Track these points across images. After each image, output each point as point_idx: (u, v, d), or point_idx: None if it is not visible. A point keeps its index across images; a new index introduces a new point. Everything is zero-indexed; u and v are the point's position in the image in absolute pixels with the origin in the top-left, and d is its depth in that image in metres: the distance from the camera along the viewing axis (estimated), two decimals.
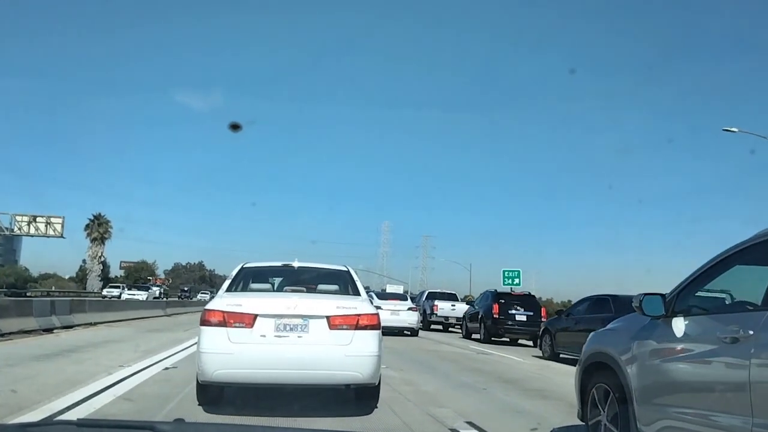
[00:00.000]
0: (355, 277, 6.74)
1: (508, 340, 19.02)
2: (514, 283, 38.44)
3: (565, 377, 9.62)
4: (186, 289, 74.92)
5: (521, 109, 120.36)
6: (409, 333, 18.89)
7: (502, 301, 19.06)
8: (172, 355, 9.57)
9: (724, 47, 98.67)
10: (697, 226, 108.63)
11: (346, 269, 6.97)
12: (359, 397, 5.79)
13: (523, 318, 18.64)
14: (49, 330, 13.45)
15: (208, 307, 5.52)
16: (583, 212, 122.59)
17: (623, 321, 4.48)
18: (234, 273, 6.62)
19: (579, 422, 4.96)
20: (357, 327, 5.38)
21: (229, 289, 6.18)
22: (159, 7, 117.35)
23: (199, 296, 65.79)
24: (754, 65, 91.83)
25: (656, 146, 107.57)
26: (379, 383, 5.76)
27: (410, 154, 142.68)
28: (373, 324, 5.50)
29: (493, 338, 18.80)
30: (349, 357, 5.29)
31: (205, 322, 5.38)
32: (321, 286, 6.52)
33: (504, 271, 39.92)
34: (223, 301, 5.52)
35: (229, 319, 5.31)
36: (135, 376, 7.31)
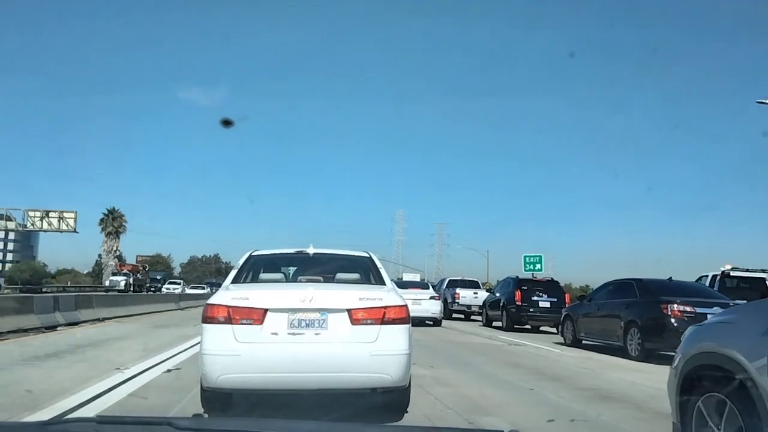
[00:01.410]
0: (379, 264, 5.85)
1: (530, 327, 18.34)
2: (536, 268, 37.51)
3: (615, 371, 8.62)
4: (159, 277, 58.24)
5: (531, 95, 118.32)
6: (431, 323, 18.23)
7: (525, 287, 18.47)
8: (177, 354, 8.70)
9: (731, 28, 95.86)
10: (709, 212, 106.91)
11: (367, 255, 6.06)
12: (386, 402, 4.87)
13: (547, 304, 18.07)
14: (52, 327, 12.71)
15: (211, 301, 4.71)
16: (595, 198, 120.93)
17: (743, 311, 3.44)
18: (241, 262, 5.78)
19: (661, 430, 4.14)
20: (383, 321, 4.57)
21: (235, 281, 5.38)
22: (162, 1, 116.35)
23: (165, 289, 48.08)
24: (763, 46, 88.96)
25: (663, 132, 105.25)
26: (410, 385, 4.91)
27: (422, 143, 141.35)
28: (401, 317, 4.67)
29: (515, 326, 18.20)
30: (375, 356, 4.49)
31: (207, 319, 4.59)
32: (340, 275, 5.65)
33: (525, 257, 38.98)
34: (229, 295, 4.70)
35: (235, 315, 4.51)
36: (132, 381, 6.47)
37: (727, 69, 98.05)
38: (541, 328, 18.43)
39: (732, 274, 20.06)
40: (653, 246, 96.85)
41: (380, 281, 5.47)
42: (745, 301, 16.77)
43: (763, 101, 25.54)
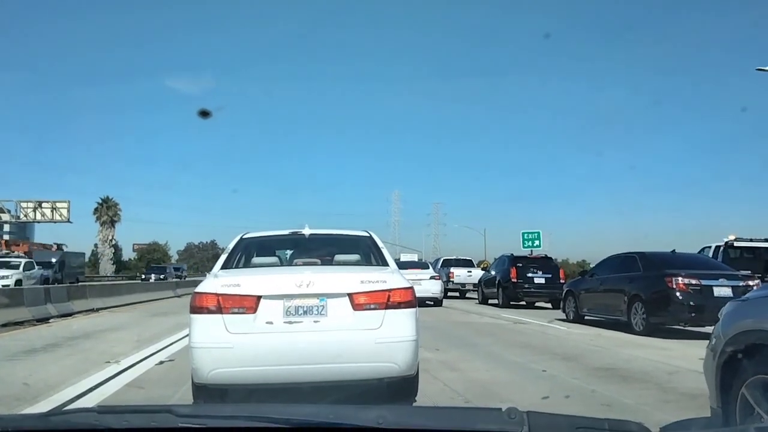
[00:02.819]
0: (380, 244, 5.48)
1: (525, 303, 18.49)
2: (534, 245, 37.17)
3: (628, 349, 8.30)
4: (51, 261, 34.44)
5: (520, 73, 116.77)
6: (432, 303, 18.06)
7: (520, 264, 18.77)
8: (172, 343, 8.36)
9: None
10: (694, 188, 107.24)
11: (368, 234, 5.68)
12: (392, 391, 4.52)
13: (542, 281, 18.38)
14: (44, 320, 12.38)
15: (199, 289, 4.33)
16: (589, 173, 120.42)
17: None
18: (231, 246, 5.39)
19: (694, 414, 3.91)
20: (388, 305, 4.21)
21: (225, 266, 4.99)
22: None
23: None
24: (745, 16, 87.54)
25: (652, 107, 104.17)
26: (418, 372, 4.56)
27: (413, 124, 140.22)
28: (407, 300, 4.31)
29: (511, 302, 18.37)
30: (380, 344, 4.14)
31: (196, 309, 4.22)
32: (339, 257, 5.28)
33: (523, 233, 38.57)
34: (218, 282, 4.32)
35: (225, 304, 4.14)
36: (126, 373, 6.20)
37: (713, 41, 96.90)
38: (537, 304, 18.62)
39: (736, 244, 19.77)
40: (647, 220, 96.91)
41: (383, 262, 5.11)
42: (750, 272, 16.54)
43: (763, 68, 25.08)
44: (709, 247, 20.62)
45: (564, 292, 14.25)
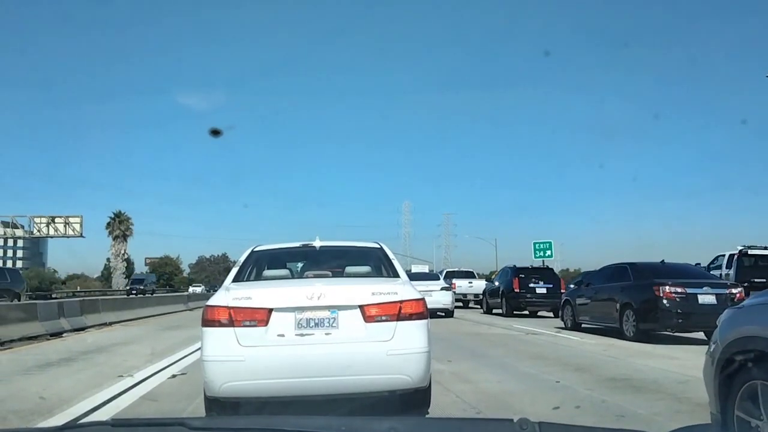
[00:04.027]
0: (391, 255, 5.48)
1: (527, 312, 19.18)
2: (546, 255, 37.16)
3: (642, 359, 8.23)
4: None
5: (527, 85, 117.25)
6: (443, 314, 18.00)
7: (522, 275, 19.55)
8: (184, 357, 8.39)
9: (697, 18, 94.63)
10: (697, 199, 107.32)
11: (378, 246, 5.69)
12: (405, 403, 4.50)
13: (543, 290, 19.23)
14: (57, 334, 12.48)
15: (211, 302, 4.35)
16: (601, 184, 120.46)
17: None
18: (242, 259, 5.41)
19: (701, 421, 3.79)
20: (399, 317, 4.21)
21: (236, 279, 5.02)
22: (152, 8, 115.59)
23: None
24: (733, 35, 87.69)
25: (660, 118, 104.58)
26: (430, 384, 4.55)
27: (425, 136, 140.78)
28: (419, 312, 4.30)
29: (514, 311, 19.19)
30: (391, 356, 4.13)
31: (207, 322, 4.24)
32: (349, 269, 5.28)
33: (535, 244, 38.53)
34: (229, 295, 4.34)
35: (236, 317, 4.16)
36: (138, 387, 6.21)
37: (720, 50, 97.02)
38: (539, 313, 19.38)
39: (750, 252, 19.61)
40: (659, 229, 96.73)
41: (393, 273, 5.11)
42: (765, 279, 16.32)
43: None
44: (723, 255, 20.46)
45: (562, 301, 14.81)
